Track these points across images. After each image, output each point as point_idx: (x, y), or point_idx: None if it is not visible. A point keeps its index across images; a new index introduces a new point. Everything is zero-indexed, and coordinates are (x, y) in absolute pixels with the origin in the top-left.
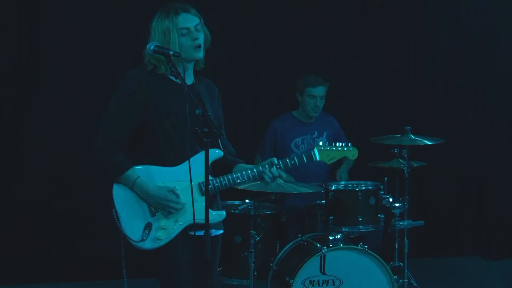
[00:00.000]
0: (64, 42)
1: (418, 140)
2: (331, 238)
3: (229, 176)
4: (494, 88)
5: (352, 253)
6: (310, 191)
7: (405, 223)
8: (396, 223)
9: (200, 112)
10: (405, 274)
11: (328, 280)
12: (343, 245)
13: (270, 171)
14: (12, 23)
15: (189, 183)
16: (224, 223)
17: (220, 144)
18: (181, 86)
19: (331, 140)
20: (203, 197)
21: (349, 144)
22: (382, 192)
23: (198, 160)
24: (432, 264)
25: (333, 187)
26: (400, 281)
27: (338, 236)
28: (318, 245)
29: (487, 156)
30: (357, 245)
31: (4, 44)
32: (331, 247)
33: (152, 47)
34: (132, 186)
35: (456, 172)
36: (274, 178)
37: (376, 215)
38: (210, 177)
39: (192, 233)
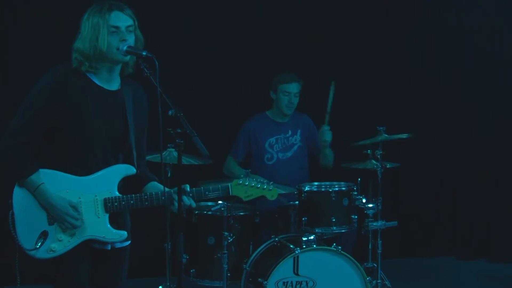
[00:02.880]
0: None
1: (392, 136)
2: (304, 239)
3: (138, 196)
4: (469, 87)
5: (326, 254)
6: (284, 192)
7: (378, 224)
8: (370, 224)
9: (173, 113)
10: (379, 275)
11: (301, 281)
12: (316, 246)
13: (181, 198)
14: None
15: (95, 196)
16: (198, 225)
17: (199, 147)
18: (105, 91)
19: (305, 140)
20: (107, 215)
21: (270, 183)
22: (355, 193)
23: (108, 174)
24: (406, 265)
25: (306, 188)
26: (374, 282)
27: (312, 237)
28: (291, 246)
29: (462, 156)
30: (331, 246)
31: None
32: (304, 248)
33: (125, 48)
34: (34, 191)
35: (431, 173)
36: (184, 207)
37: (350, 216)
38: (117, 195)
39: (95, 246)
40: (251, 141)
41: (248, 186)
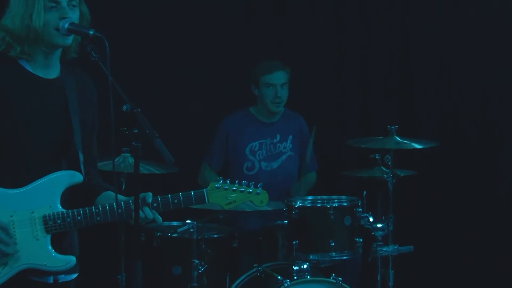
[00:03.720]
0: None
1: (406, 143)
2: (295, 268)
3: (87, 211)
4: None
5: (323, 287)
6: (269, 209)
7: (389, 249)
8: (378, 249)
9: (128, 109)
10: None
11: None
12: (310, 277)
13: (142, 210)
14: None
15: (31, 213)
16: (160, 251)
17: (162, 151)
18: (41, 80)
19: (299, 148)
20: (48, 236)
21: (258, 186)
22: (360, 210)
23: (48, 185)
24: None
25: (298, 204)
26: None
27: (305, 266)
28: (279, 277)
29: (493, 164)
30: (329, 277)
31: None
32: (295, 280)
33: (66, 25)
34: None
35: (454, 184)
36: (146, 220)
37: (353, 238)
38: (60, 210)
39: (34, 278)
40: (229, 144)
41: (229, 190)
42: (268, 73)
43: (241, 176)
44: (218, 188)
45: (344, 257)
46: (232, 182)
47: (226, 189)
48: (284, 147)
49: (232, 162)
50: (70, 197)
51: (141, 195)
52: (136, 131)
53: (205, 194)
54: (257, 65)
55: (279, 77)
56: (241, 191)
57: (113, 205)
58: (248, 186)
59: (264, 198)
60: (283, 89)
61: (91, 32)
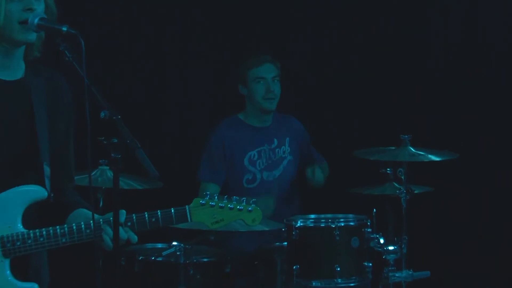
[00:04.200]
0: None
1: (421, 154)
2: None
3: (51, 231)
4: None
5: None
6: (266, 229)
7: (403, 275)
8: (390, 274)
9: (106, 116)
10: None
11: None
12: None
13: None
14: None
15: None
16: (143, 277)
17: (144, 164)
18: (0, 82)
19: (297, 150)
20: (7, 261)
21: (251, 202)
22: (369, 230)
23: (7, 201)
24: None
25: (299, 223)
26: None
27: None
28: None
29: None
30: None
31: None
32: None
33: (36, 21)
34: None
35: (475, 202)
36: (121, 241)
37: (361, 263)
38: (21, 230)
39: None
40: (226, 156)
41: (216, 207)
42: (257, 66)
43: (241, 191)
44: (203, 204)
45: (351, 284)
46: (220, 198)
47: (212, 205)
48: (284, 152)
49: (229, 176)
50: (35, 216)
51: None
52: (115, 140)
53: (188, 211)
54: (243, 61)
55: (269, 70)
56: (230, 208)
57: (81, 224)
58: (239, 202)
59: (257, 216)
60: (274, 83)
61: (64, 29)
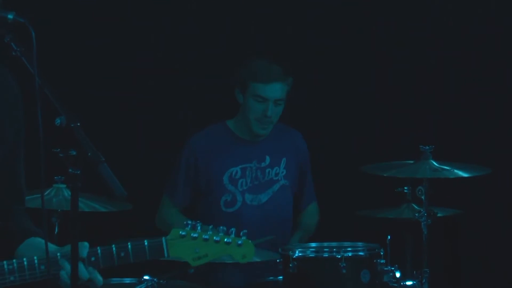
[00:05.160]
0: None
1: (445, 170)
2: None
3: None
4: None
5: None
6: (257, 260)
7: None
8: None
9: (62, 122)
10: None
11: None
12: None
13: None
14: None
15: None
16: None
17: (109, 181)
18: None
19: (295, 176)
20: None
21: (242, 233)
22: (382, 262)
23: None
24: None
25: (297, 253)
26: None
27: None
28: None
29: None
30: None
31: None
32: None
33: None
34: None
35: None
36: (80, 281)
37: None
38: None
39: None
40: (199, 171)
41: (199, 240)
42: (263, 82)
43: (217, 215)
44: (183, 236)
45: None
46: (204, 229)
47: (194, 238)
48: (276, 174)
49: (204, 195)
50: None
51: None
52: (74, 153)
53: (164, 245)
54: (249, 64)
55: (275, 91)
56: (216, 241)
57: (34, 259)
58: (227, 234)
59: (248, 252)
60: (276, 106)
61: (10, 16)
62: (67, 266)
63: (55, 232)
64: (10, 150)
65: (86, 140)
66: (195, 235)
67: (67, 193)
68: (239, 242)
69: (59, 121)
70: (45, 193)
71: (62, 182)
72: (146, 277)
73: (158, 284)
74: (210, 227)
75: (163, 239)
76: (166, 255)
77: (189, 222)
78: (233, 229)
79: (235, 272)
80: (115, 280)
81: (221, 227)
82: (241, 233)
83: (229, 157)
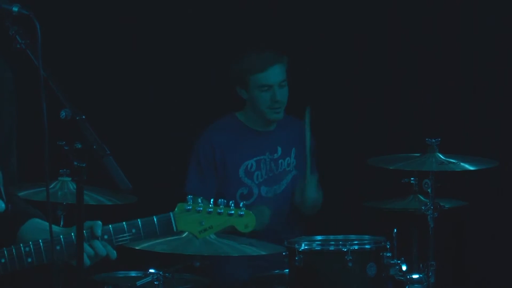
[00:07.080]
0: None
1: (452, 162)
2: None
3: (14, 250)
4: None
5: None
6: (263, 253)
7: None
8: None
9: (67, 115)
10: None
11: None
12: None
13: (90, 245)
14: None
15: None
16: None
17: (114, 174)
18: None
19: (301, 165)
20: None
21: (240, 205)
22: (388, 255)
23: None
24: None
25: (303, 247)
26: None
27: None
28: None
29: None
30: None
31: None
32: None
33: None
34: None
35: None
36: (96, 258)
37: None
38: None
39: None
40: (217, 164)
41: (203, 213)
42: (260, 71)
43: None
44: (188, 210)
45: None
46: (205, 203)
47: (199, 211)
48: (288, 164)
49: (220, 190)
50: None
51: (87, 223)
52: (79, 146)
53: (172, 218)
54: (242, 59)
55: (276, 74)
56: (219, 213)
57: (40, 243)
58: (228, 206)
59: (250, 221)
60: (282, 88)
61: (15, 9)
62: (86, 246)
63: (61, 225)
64: (6, 137)
65: (91, 133)
66: (200, 208)
67: (72, 186)
68: (241, 213)
69: (64, 114)
70: (50, 186)
71: (67, 175)
72: (151, 270)
73: (164, 277)
74: (211, 200)
75: (171, 213)
76: (175, 228)
77: (190, 196)
78: (232, 201)
79: (240, 265)
80: (121, 273)
81: (220, 200)
82: (241, 205)
83: (243, 150)
